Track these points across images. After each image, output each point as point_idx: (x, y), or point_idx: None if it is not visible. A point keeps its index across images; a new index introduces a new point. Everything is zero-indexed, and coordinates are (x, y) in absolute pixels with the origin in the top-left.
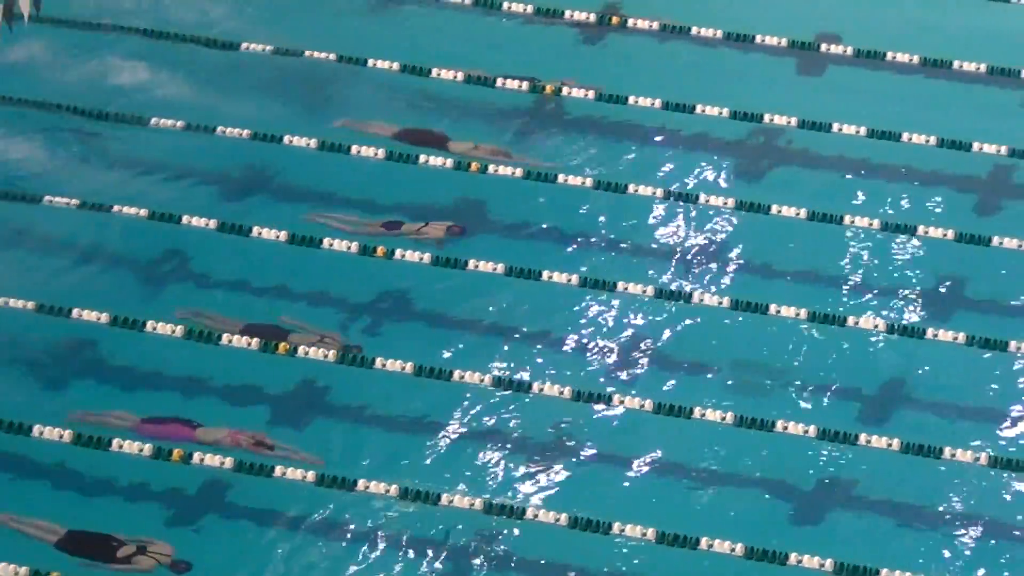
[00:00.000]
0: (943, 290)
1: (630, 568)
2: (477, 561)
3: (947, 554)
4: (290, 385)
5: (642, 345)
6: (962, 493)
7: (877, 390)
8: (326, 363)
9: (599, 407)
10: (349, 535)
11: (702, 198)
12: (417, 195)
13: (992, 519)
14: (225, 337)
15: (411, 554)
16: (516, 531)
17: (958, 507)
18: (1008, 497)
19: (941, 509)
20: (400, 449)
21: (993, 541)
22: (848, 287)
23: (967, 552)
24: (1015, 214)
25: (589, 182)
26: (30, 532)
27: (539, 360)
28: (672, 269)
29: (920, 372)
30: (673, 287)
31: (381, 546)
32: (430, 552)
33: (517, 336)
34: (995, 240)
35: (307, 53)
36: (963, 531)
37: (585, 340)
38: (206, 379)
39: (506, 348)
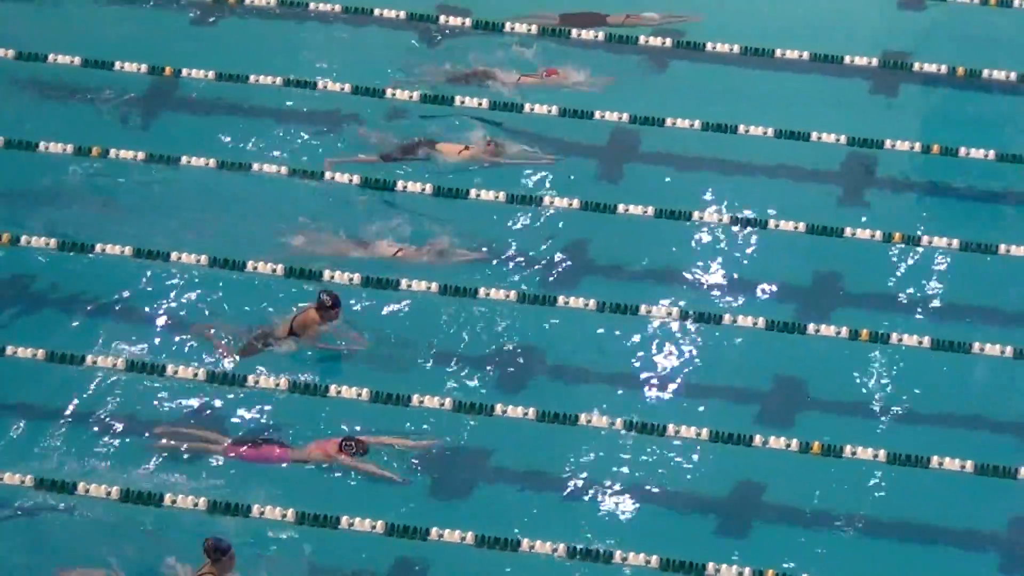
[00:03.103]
0: (570, 258)
1: (274, 551)
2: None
3: (585, 520)
4: None
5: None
6: (599, 457)
7: (510, 360)
8: None
9: (232, 387)
10: None
11: (326, 175)
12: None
13: (628, 481)
14: None
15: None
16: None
17: (596, 471)
18: (643, 459)
19: (581, 474)
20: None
21: (629, 502)
22: (479, 259)
23: (604, 516)
24: (638, 180)
25: (213, 162)
26: None
27: (176, 340)
28: (295, 247)
29: (551, 340)
30: (303, 266)
31: None
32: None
33: (147, 320)
34: (620, 207)
35: None
36: (601, 495)
37: (213, 321)
38: None
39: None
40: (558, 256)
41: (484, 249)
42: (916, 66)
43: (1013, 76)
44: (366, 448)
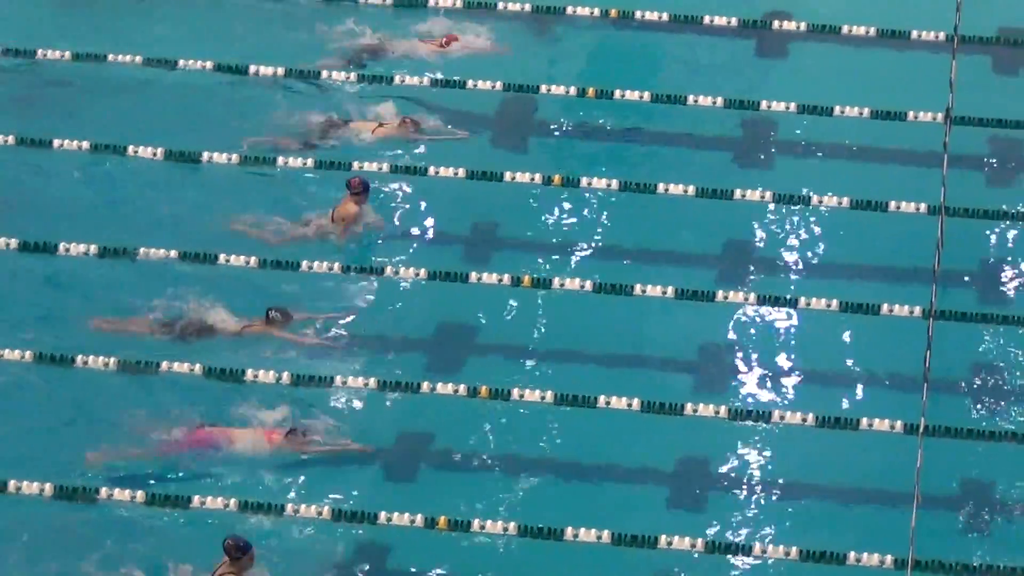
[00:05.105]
0: None
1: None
2: None
3: (260, 472)
4: None
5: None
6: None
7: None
8: None
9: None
10: None
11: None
12: None
13: None
14: None
15: None
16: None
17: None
18: (311, 410)
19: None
20: None
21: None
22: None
23: (279, 468)
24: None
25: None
26: None
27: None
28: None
29: None
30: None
31: None
32: None
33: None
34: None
35: None
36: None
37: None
38: None
39: None
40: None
41: None
42: (569, 10)
43: (665, 16)
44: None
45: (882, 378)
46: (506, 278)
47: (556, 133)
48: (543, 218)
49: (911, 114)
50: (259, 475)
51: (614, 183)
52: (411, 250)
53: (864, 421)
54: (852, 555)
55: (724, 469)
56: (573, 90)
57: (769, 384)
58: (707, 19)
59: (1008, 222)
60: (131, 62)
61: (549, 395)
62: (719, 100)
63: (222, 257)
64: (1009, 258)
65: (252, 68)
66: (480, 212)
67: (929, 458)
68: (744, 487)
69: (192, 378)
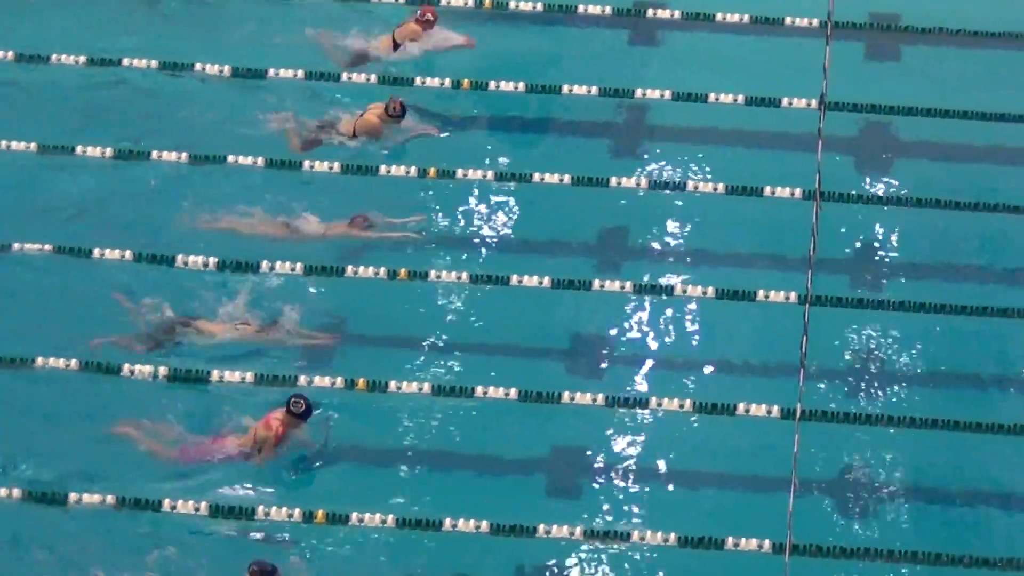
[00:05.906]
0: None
1: None
2: None
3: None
4: None
5: None
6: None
7: None
8: None
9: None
10: None
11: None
12: None
13: None
14: None
15: None
16: None
17: None
18: (184, 407)
19: None
20: None
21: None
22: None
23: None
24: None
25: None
26: None
27: None
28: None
29: None
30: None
31: None
32: None
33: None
34: None
35: None
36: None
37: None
38: None
39: None
40: None
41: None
42: (443, 0)
43: (539, 7)
44: (310, 408)
45: (758, 364)
46: (382, 271)
47: (431, 125)
48: (418, 210)
49: (785, 100)
50: (137, 472)
51: (489, 174)
52: (288, 246)
53: (741, 406)
54: (730, 540)
55: (602, 457)
56: (448, 82)
57: (646, 371)
58: (580, 8)
59: (882, 207)
60: (3, 58)
61: (427, 387)
62: (594, 89)
63: (96, 251)
64: (883, 243)
65: (125, 61)
66: (355, 205)
67: (805, 443)
68: (622, 474)
69: None
